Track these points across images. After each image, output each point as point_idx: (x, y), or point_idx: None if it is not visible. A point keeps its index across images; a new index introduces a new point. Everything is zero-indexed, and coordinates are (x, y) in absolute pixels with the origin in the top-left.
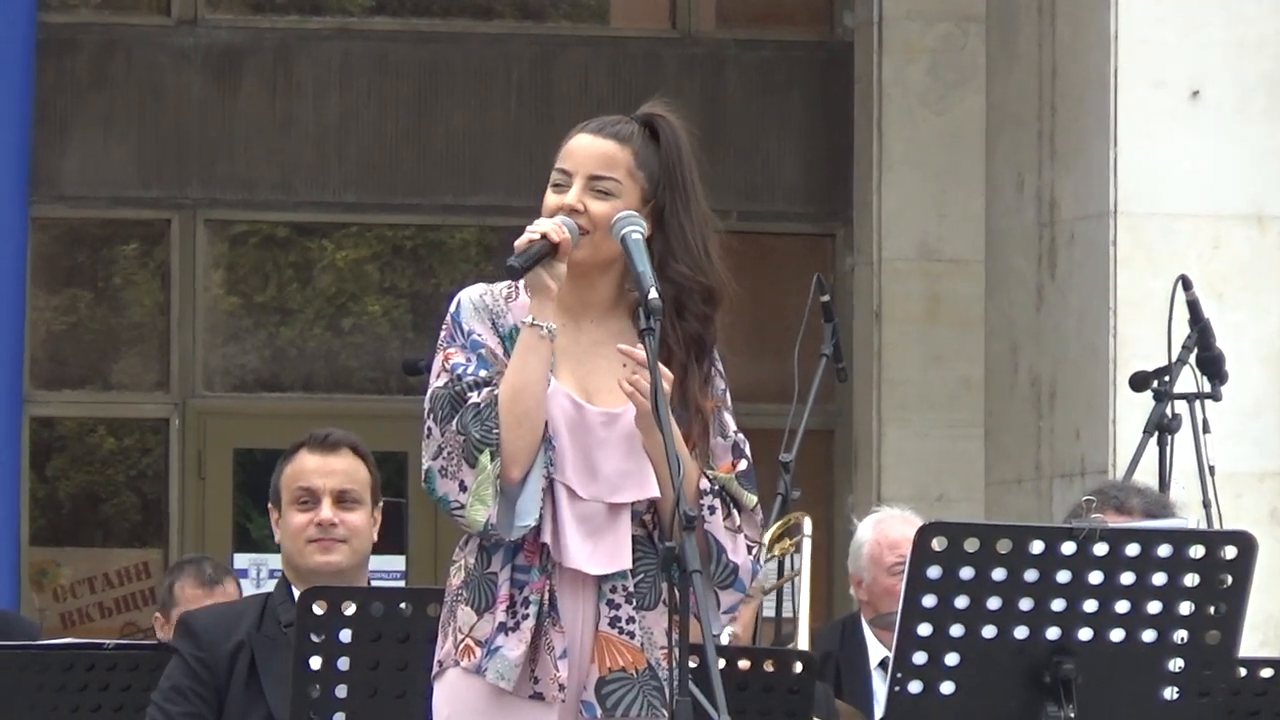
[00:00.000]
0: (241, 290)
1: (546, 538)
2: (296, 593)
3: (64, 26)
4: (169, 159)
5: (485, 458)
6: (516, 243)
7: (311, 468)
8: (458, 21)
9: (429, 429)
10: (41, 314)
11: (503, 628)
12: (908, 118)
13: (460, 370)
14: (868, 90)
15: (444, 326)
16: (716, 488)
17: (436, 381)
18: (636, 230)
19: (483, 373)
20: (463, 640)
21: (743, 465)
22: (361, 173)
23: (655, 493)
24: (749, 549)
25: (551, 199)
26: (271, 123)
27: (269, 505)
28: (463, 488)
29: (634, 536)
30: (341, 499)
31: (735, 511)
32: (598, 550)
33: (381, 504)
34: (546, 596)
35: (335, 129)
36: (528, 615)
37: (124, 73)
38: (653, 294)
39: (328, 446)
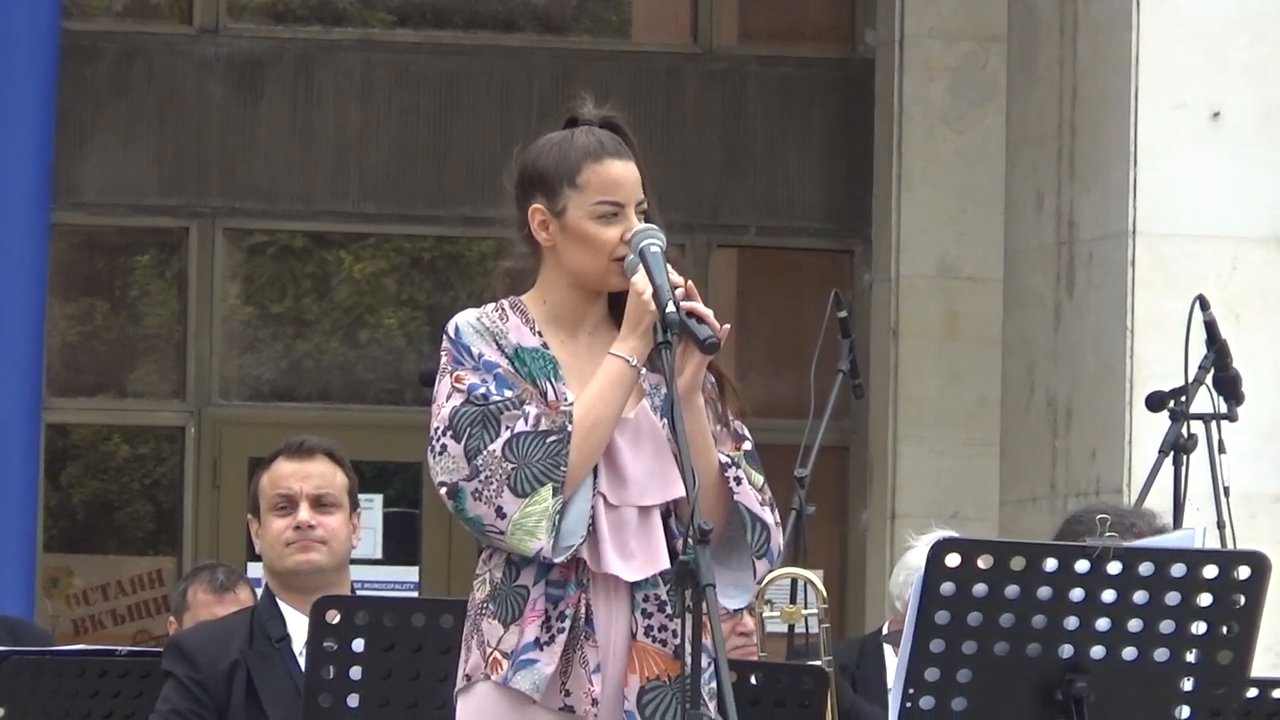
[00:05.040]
0: (258, 301)
1: (582, 552)
2: (282, 605)
3: (86, 34)
4: (188, 167)
5: (546, 491)
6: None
7: (288, 473)
8: (479, 34)
9: (444, 445)
10: (57, 321)
11: (537, 643)
12: (928, 136)
13: (481, 390)
14: (888, 108)
15: (444, 352)
16: (734, 461)
17: (451, 401)
18: (656, 244)
19: (507, 392)
20: (491, 653)
21: (747, 445)
22: (381, 184)
23: (681, 493)
24: (776, 523)
25: (611, 232)
26: (291, 133)
27: (249, 516)
28: (500, 514)
29: None
30: (319, 502)
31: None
32: (634, 557)
33: (360, 509)
34: (583, 610)
35: (355, 140)
36: (563, 629)
37: (145, 81)
38: (670, 308)
39: (304, 452)
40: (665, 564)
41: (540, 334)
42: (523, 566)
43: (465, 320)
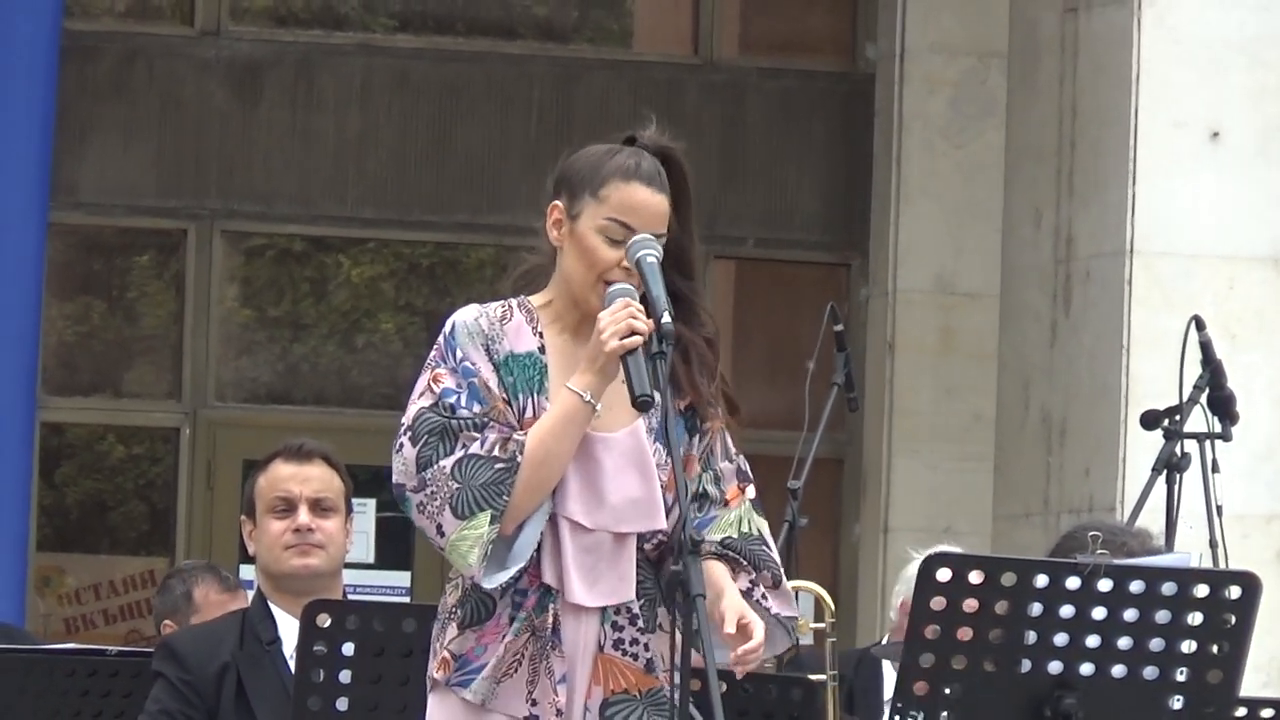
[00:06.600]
0: (256, 303)
1: (549, 578)
2: (274, 608)
3: (87, 34)
4: (187, 169)
5: (484, 518)
6: (624, 341)
7: (287, 475)
8: (480, 41)
9: (401, 445)
10: (54, 321)
11: (500, 664)
12: (927, 150)
13: (451, 399)
14: (888, 122)
15: (435, 347)
16: (735, 557)
17: (421, 400)
18: (652, 254)
19: (476, 407)
20: (442, 653)
21: (751, 491)
22: (379, 189)
23: (663, 525)
24: (792, 594)
25: (610, 253)
26: (291, 136)
27: (242, 517)
28: (440, 532)
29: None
30: (318, 506)
31: (756, 573)
32: (601, 582)
33: (353, 514)
34: (550, 621)
35: (354, 144)
36: (529, 640)
37: (145, 82)
38: (665, 318)
39: (302, 456)
40: (631, 595)
41: (540, 335)
42: None
43: (462, 319)
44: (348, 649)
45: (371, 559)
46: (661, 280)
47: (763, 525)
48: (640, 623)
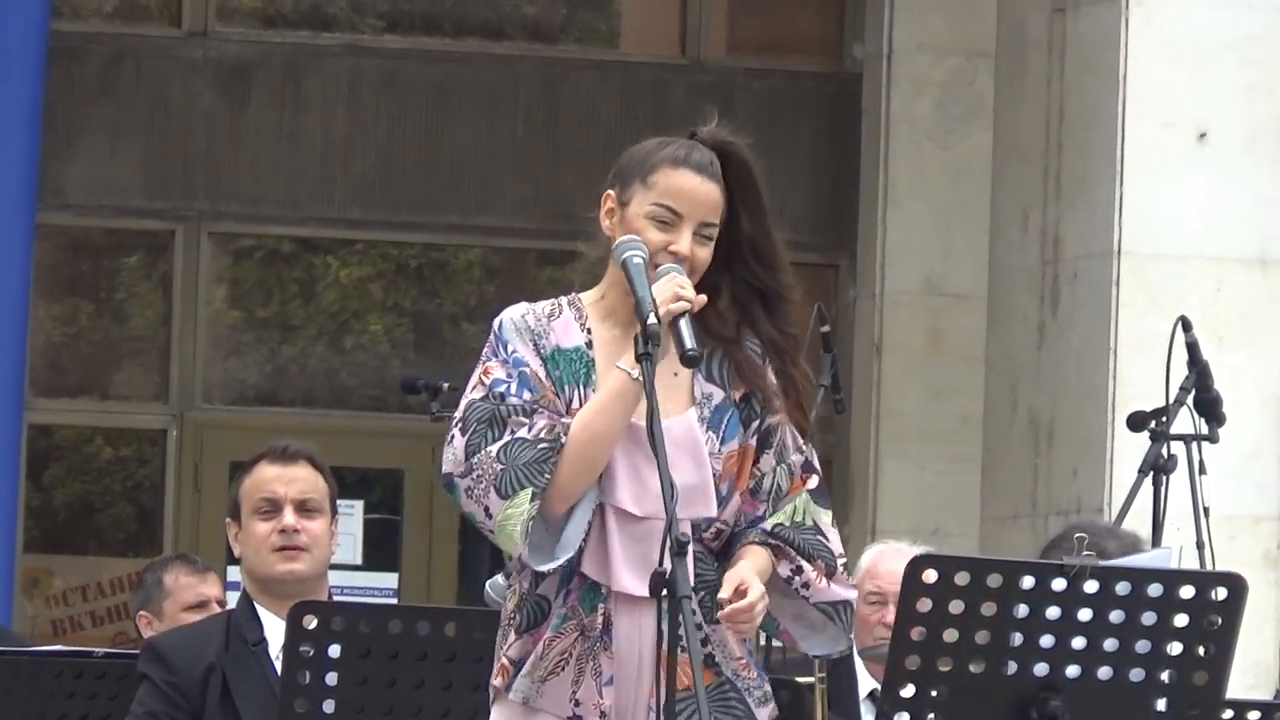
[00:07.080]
0: (244, 305)
1: (589, 570)
2: (260, 609)
3: (74, 35)
4: (175, 170)
5: (524, 496)
6: (671, 306)
7: (272, 476)
8: (468, 42)
9: (453, 436)
10: (42, 322)
11: (541, 661)
12: (915, 151)
13: (501, 388)
14: (875, 123)
15: (486, 344)
16: (778, 544)
17: (473, 393)
18: (638, 255)
19: (526, 394)
20: (501, 660)
21: (813, 482)
22: (367, 190)
23: (715, 511)
24: (849, 585)
25: (657, 236)
26: (279, 137)
27: (227, 519)
28: (488, 514)
29: (695, 553)
30: (303, 507)
31: (806, 561)
32: (652, 572)
33: (337, 516)
34: (599, 621)
35: (342, 145)
36: (576, 639)
37: (133, 83)
38: (651, 319)
39: (287, 457)
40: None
41: (589, 331)
42: (543, 578)
43: (510, 315)
44: (334, 651)
45: (359, 561)
46: (646, 281)
47: (820, 515)
48: (700, 615)
